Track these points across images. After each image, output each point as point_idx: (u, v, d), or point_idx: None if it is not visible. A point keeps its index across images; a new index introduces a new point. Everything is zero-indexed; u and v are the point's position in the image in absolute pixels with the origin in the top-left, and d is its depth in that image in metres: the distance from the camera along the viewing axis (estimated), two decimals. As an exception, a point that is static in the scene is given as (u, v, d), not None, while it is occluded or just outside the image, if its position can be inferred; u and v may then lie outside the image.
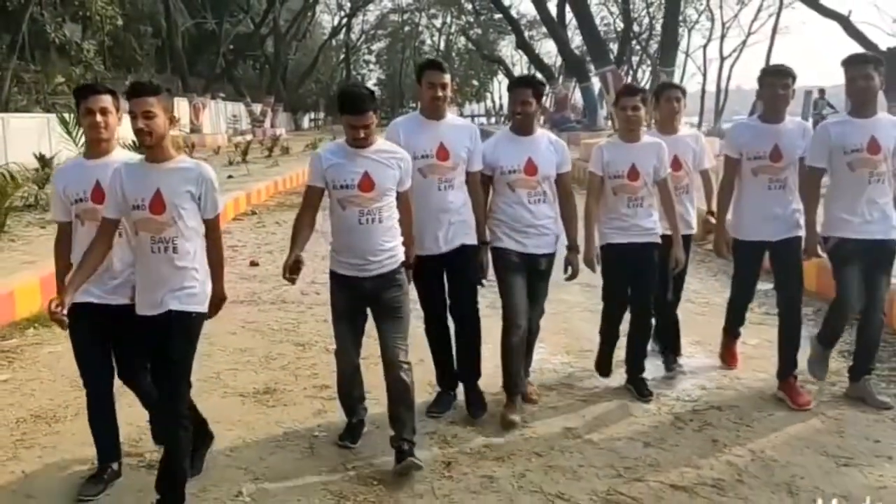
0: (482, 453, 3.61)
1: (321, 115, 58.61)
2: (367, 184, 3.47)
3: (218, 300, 3.25)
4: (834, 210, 4.08)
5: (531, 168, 3.99)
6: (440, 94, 3.91)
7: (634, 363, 4.38)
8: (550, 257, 4.11)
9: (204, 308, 3.15)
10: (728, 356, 4.69)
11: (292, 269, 3.42)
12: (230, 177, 15.49)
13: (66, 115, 12.28)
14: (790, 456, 3.50)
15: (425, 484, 3.31)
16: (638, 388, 4.28)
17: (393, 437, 3.49)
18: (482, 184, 4.05)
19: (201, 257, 3.15)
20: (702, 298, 4.78)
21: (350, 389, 3.81)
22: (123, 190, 3.07)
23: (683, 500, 3.15)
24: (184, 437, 3.09)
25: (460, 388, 4.24)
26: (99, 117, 3.22)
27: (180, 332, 3.06)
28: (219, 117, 35.46)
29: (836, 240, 4.05)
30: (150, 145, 3.04)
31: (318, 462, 3.57)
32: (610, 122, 21.72)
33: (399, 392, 3.49)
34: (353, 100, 3.47)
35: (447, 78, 3.96)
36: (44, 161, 12.34)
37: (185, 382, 3.12)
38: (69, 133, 11.88)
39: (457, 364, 4.21)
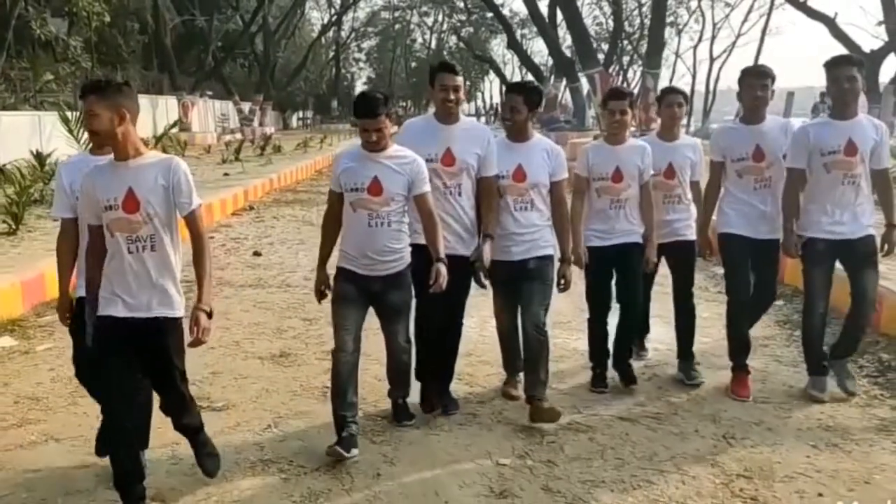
0: (468, 398, 4.46)
1: (310, 113, 59.27)
2: (375, 188, 3.65)
3: (206, 312, 3.05)
4: (807, 209, 4.25)
5: (520, 174, 4.08)
6: (452, 97, 3.97)
7: (619, 354, 4.60)
8: (541, 260, 4.13)
9: (182, 312, 3.17)
10: (738, 386, 4.44)
11: (322, 293, 3.85)
12: (226, 174, 16.29)
13: (68, 114, 13.01)
14: (719, 397, 4.42)
15: (422, 418, 4.17)
16: (623, 374, 4.55)
17: (390, 391, 4.12)
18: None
19: (178, 258, 3.15)
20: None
21: (345, 389, 3.74)
22: (95, 190, 3.06)
23: (628, 427, 4.04)
24: (198, 413, 3.50)
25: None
26: None
27: (174, 336, 3.14)
28: (207, 116, 36.08)
29: (806, 239, 4.24)
30: (100, 145, 3.15)
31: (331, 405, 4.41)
32: (596, 123, 22.64)
33: (400, 368, 4.02)
34: (366, 104, 3.66)
35: (460, 80, 4.02)
36: (40, 158, 13.07)
37: (184, 377, 3.28)
38: (71, 131, 12.64)
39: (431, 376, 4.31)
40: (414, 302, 4.01)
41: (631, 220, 4.43)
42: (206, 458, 3.48)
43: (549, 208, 4.17)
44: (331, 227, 3.86)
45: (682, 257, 4.72)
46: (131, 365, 3.12)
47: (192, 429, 3.48)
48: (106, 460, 3.32)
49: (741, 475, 3.50)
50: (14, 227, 8.78)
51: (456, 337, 4.34)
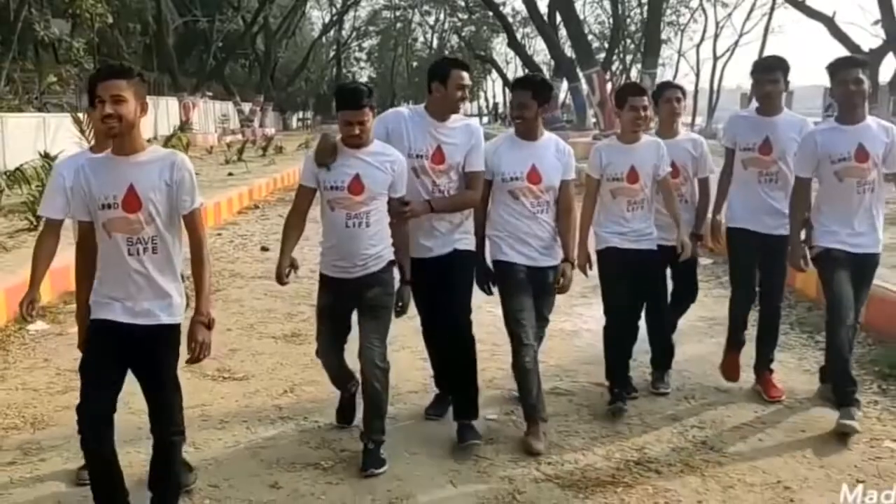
0: (462, 369, 5.09)
1: (310, 114, 59.99)
2: (356, 186, 3.55)
3: (206, 319, 2.93)
4: (821, 220, 4.12)
5: (535, 176, 3.93)
6: (467, 96, 3.93)
7: (659, 361, 4.66)
8: (555, 270, 4.05)
9: (182, 317, 3.03)
10: (729, 368, 4.63)
11: (283, 277, 3.71)
12: (230, 174, 17.01)
13: (79, 115, 13.66)
14: (687, 366, 5.03)
15: (421, 372, 4.79)
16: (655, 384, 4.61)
17: (363, 433, 3.76)
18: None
19: (180, 260, 3.05)
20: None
21: (337, 373, 4.06)
22: (90, 187, 2.90)
23: (603, 391, 4.63)
24: (179, 443, 3.12)
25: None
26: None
27: (170, 345, 2.97)
28: (208, 117, 36.79)
29: (821, 249, 4.10)
30: (117, 133, 2.85)
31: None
32: (594, 122, 23.28)
33: (372, 397, 3.66)
34: (349, 94, 3.55)
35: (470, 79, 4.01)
36: (49, 159, 13.71)
37: (178, 393, 3.05)
38: (83, 132, 13.27)
39: (451, 393, 4.14)
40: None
41: (648, 223, 4.34)
42: None
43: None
44: (294, 225, 3.76)
45: (684, 260, 4.49)
46: (115, 381, 2.99)
47: (167, 477, 3.13)
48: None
49: (695, 426, 4.16)
50: (35, 223, 9.45)
51: (468, 345, 3.99)
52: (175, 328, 3.00)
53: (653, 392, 4.62)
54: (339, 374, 4.05)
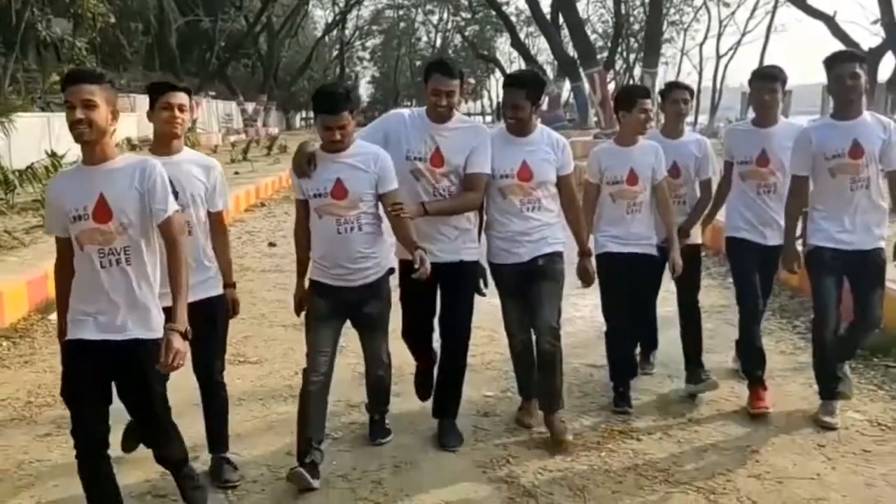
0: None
1: (313, 113, 60.39)
2: (339, 191, 3.49)
3: (182, 328, 2.81)
4: (815, 217, 4.14)
5: (525, 173, 3.89)
6: (444, 103, 3.73)
7: (646, 345, 5.01)
8: (550, 256, 3.99)
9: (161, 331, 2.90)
10: (754, 399, 4.35)
11: (302, 306, 3.78)
12: (236, 173, 17.43)
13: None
14: (672, 349, 5.37)
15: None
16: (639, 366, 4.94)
17: (367, 406, 4.16)
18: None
19: (156, 269, 2.98)
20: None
21: (312, 413, 3.62)
22: (62, 200, 2.88)
23: (592, 371, 5.10)
24: (181, 443, 3.17)
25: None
26: (177, 112, 3.40)
27: (150, 362, 2.84)
28: (211, 116, 37.20)
29: (812, 247, 4.12)
30: (88, 140, 2.80)
31: (346, 359, 5.35)
32: (595, 121, 23.65)
33: (378, 384, 4.02)
34: (327, 98, 3.47)
35: (455, 84, 3.73)
36: (56, 158, 14.07)
37: (165, 404, 3.05)
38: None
39: (434, 393, 4.22)
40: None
41: (647, 226, 4.40)
42: (193, 493, 3.27)
43: (557, 205, 4.06)
44: (302, 236, 3.74)
45: (687, 262, 4.45)
46: (102, 399, 2.94)
47: (173, 462, 3.22)
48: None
49: (676, 401, 4.58)
50: (49, 219, 9.90)
51: (462, 357, 4.08)
52: (154, 344, 2.86)
53: (639, 372, 4.96)
54: (317, 404, 3.65)
